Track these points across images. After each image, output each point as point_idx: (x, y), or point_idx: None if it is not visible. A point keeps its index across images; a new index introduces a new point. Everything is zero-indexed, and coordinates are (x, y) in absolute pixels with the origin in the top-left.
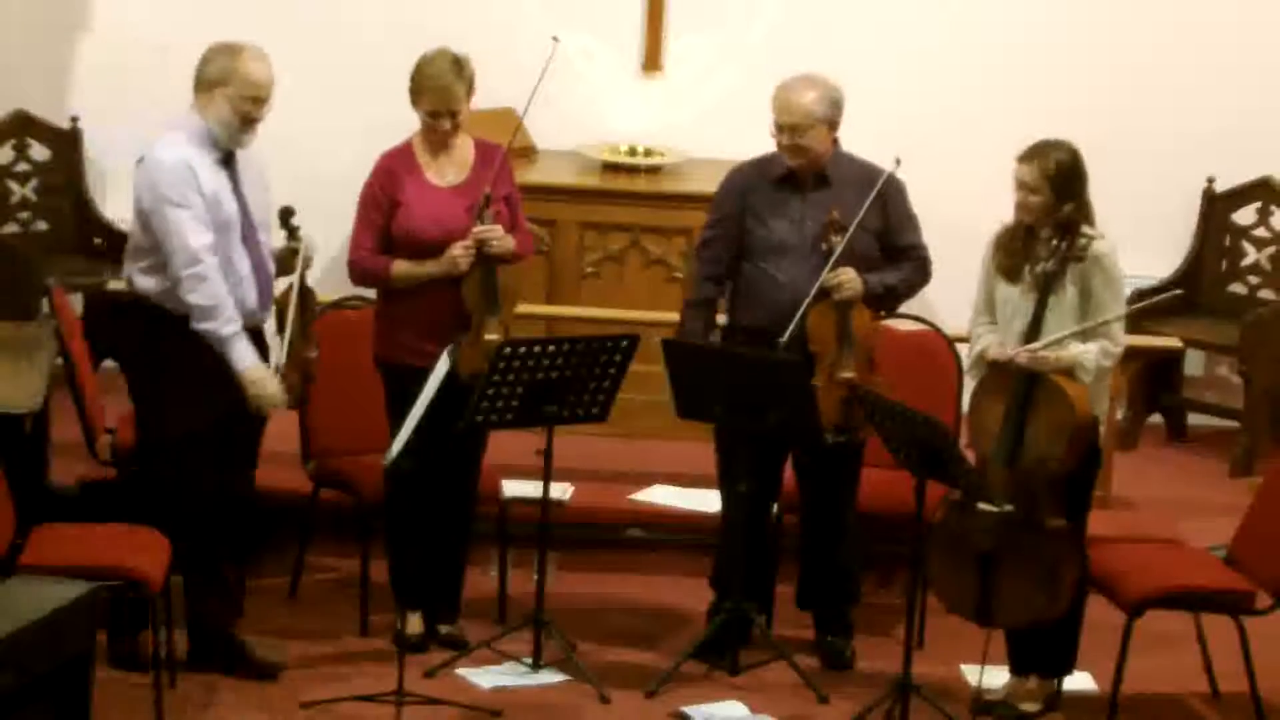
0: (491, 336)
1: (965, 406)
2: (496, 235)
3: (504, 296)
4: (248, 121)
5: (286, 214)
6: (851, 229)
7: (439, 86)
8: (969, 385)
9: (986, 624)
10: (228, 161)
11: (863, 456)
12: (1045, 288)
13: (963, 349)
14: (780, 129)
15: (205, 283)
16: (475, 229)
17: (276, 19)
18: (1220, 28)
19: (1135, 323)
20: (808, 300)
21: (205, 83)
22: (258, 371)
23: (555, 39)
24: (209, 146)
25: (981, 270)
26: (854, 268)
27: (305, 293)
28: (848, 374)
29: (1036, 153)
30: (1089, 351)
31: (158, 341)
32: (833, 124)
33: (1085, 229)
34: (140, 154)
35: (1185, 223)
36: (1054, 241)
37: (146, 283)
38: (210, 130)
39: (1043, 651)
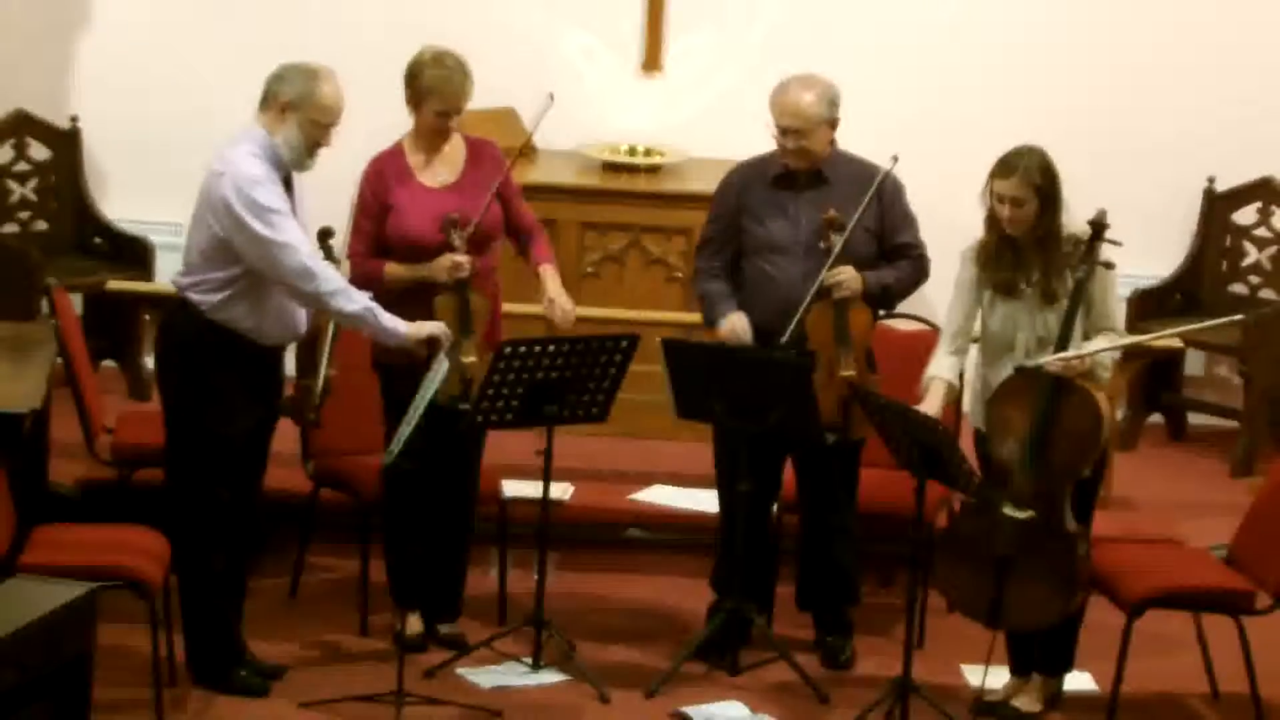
0: (469, 359)
1: (965, 407)
2: (466, 270)
3: (476, 318)
4: (315, 146)
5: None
6: (850, 227)
7: (453, 87)
8: (969, 385)
9: (997, 626)
10: (286, 181)
11: (862, 456)
12: (1078, 294)
13: None
14: (784, 132)
15: (322, 277)
16: (456, 258)
17: (276, 19)
18: (1220, 28)
19: (1135, 323)
20: (807, 299)
21: (278, 103)
22: (411, 331)
23: (551, 96)
24: (276, 165)
25: (956, 290)
26: (851, 266)
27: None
28: (847, 373)
29: (1014, 165)
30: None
31: (200, 352)
32: (832, 123)
33: (1074, 232)
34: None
35: (1186, 222)
36: (1081, 248)
37: (201, 297)
38: (276, 150)
39: (1042, 651)
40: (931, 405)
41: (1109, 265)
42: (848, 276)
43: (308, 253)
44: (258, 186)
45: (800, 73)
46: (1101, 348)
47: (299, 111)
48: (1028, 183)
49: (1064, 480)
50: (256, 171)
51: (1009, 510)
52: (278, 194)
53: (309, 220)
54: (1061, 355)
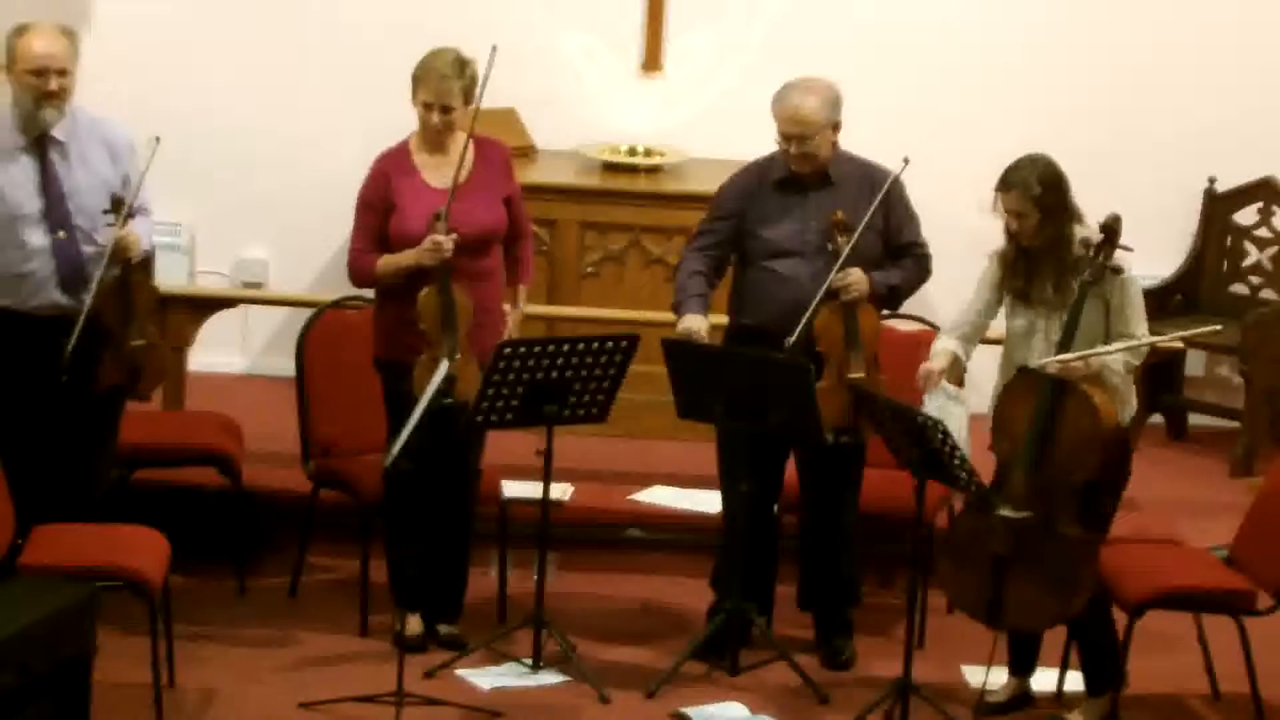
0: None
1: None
2: (445, 251)
3: (461, 316)
4: (41, 99)
5: (113, 201)
6: (858, 231)
7: (437, 78)
8: (993, 388)
9: (996, 626)
10: (40, 145)
11: (865, 457)
12: (1081, 298)
13: None
14: (787, 139)
15: None
16: (436, 238)
17: (277, 19)
18: (1220, 28)
19: None
20: (815, 301)
21: (2, 68)
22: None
23: (494, 47)
24: (15, 131)
25: (976, 286)
26: (859, 267)
27: (126, 283)
28: (857, 374)
29: (1015, 179)
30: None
31: None
32: (835, 125)
33: (1086, 235)
34: None
35: (1186, 223)
36: (1089, 253)
37: None
38: (12, 113)
39: (1084, 673)
40: (936, 363)
41: (1116, 270)
42: (855, 279)
43: None
44: None
45: (800, 77)
46: (1099, 351)
47: (11, 71)
48: (1026, 196)
49: (1062, 482)
50: None
51: (1005, 510)
52: None
53: (107, 181)
54: (1062, 357)
